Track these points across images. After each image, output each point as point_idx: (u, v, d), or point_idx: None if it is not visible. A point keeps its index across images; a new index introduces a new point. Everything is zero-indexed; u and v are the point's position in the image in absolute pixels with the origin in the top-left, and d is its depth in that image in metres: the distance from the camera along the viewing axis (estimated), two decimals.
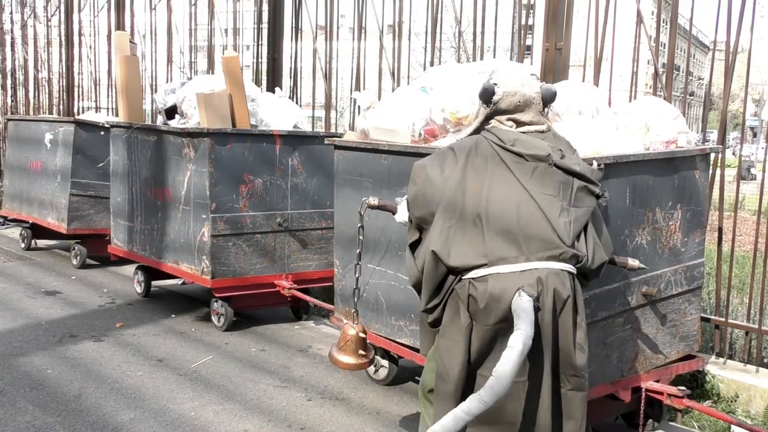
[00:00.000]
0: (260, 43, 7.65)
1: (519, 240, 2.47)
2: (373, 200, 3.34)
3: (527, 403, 2.50)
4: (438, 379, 2.60)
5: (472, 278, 2.48)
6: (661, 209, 3.59)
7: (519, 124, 2.72)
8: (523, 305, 2.37)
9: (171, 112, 6.03)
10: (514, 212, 2.49)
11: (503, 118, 2.73)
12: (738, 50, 4.63)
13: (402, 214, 2.97)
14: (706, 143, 4.98)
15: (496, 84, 2.74)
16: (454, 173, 2.61)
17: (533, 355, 2.43)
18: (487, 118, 2.77)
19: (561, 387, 2.54)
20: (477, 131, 2.79)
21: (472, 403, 2.30)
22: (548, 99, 2.78)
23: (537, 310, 2.40)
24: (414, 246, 2.73)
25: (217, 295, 5.42)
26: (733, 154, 19.13)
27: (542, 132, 2.72)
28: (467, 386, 2.52)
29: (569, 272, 2.50)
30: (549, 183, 2.56)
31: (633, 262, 3.07)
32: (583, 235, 2.56)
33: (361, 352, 3.47)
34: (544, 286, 2.43)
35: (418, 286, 2.69)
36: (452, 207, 2.57)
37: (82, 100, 10.11)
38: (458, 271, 2.52)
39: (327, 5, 6.92)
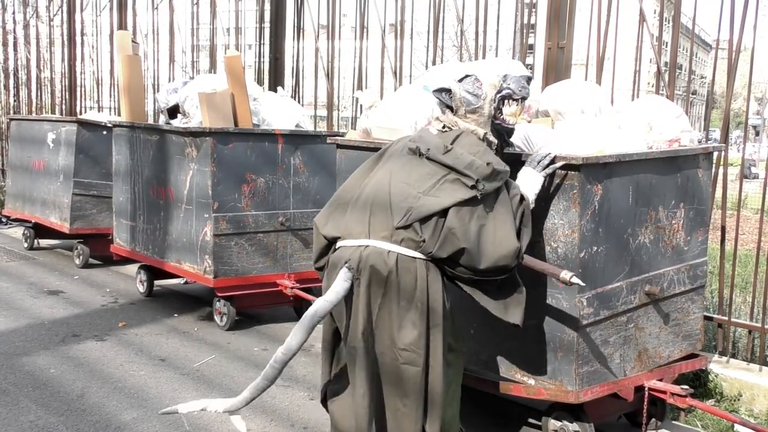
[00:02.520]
0: (262, 42, 7.65)
1: (368, 220, 2.80)
2: None
3: (365, 368, 2.79)
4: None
5: (335, 247, 2.89)
6: (664, 208, 3.58)
7: (442, 121, 3.04)
8: (339, 275, 2.76)
9: (173, 111, 6.04)
10: (373, 197, 2.83)
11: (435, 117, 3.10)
12: (741, 49, 4.62)
13: None
14: (709, 142, 4.97)
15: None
16: (363, 166, 3.03)
17: (354, 323, 2.78)
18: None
19: (396, 360, 2.77)
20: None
21: (278, 354, 2.81)
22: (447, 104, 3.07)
23: (354, 280, 2.75)
24: None
25: (219, 294, 5.43)
26: (738, 151, 19.10)
27: (441, 130, 2.98)
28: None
29: (404, 254, 2.73)
30: (414, 173, 2.83)
31: (565, 275, 2.95)
32: (434, 221, 2.72)
33: None
34: (363, 262, 2.73)
35: None
36: (345, 192, 2.98)
37: (85, 99, 10.12)
38: (330, 241, 2.92)
39: (329, 4, 6.92)
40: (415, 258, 2.74)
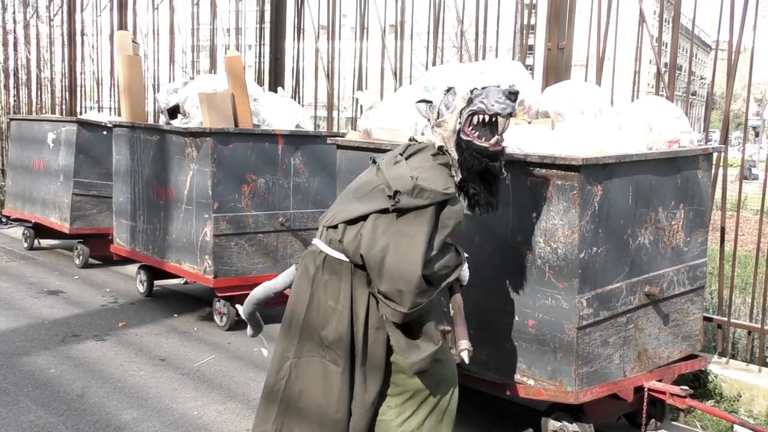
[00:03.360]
0: (262, 42, 7.66)
1: (323, 222, 2.88)
2: None
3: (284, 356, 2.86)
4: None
5: None
6: (663, 209, 3.59)
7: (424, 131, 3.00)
8: (288, 269, 3.04)
9: (173, 111, 6.04)
10: (336, 202, 2.97)
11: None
12: (740, 50, 4.63)
13: None
14: (709, 143, 4.98)
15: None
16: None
17: (292, 316, 2.85)
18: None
19: (323, 357, 2.77)
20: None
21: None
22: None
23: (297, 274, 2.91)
24: None
25: (219, 294, 5.43)
26: (739, 151, 19.10)
27: (409, 142, 2.99)
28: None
29: (331, 255, 2.76)
30: (362, 180, 2.89)
31: (460, 345, 2.83)
32: (359, 226, 2.72)
33: None
34: (302, 259, 2.89)
35: None
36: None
37: (85, 99, 10.13)
38: None
39: (329, 5, 6.93)
40: (342, 261, 2.73)
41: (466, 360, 2.80)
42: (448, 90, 2.95)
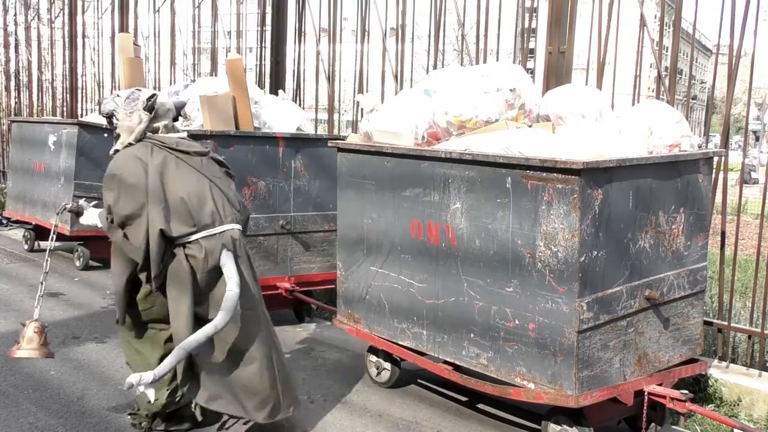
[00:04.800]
0: (263, 45, 7.67)
1: (215, 211, 3.39)
2: (72, 205, 4.17)
3: (256, 325, 3.48)
4: (172, 319, 3.35)
5: (187, 242, 3.34)
6: (664, 213, 3.59)
7: (169, 129, 3.59)
8: (227, 257, 3.35)
9: None
10: (207, 191, 3.42)
11: (160, 124, 3.54)
12: (741, 54, 4.63)
13: (89, 218, 3.93)
14: (709, 147, 4.98)
15: (155, 95, 3.58)
16: (149, 172, 3.37)
17: (247, 289, 3.44)
18: (149, 124, 3.51)
19: (263, 310, 3.60)
20: (141, 137, 3.49)
21: (208, 328, 3.18)
22: (180, 108, 3.86)
23: (236, 257, 3.38)
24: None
25: None
26: (740, 155, 19.07)
27: (184, 138, 3.63)
28: (195, 323, 3.30)
29: (239, 229, 3.51)
30: (214, 169, 3.58)
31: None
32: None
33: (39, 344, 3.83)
34: (237, 241, 3.43)
35: (146, 265, 3.36)
36: (159, 198, 3.33)
37: (86, 101, 10.15)
38: (174, 240, 3.33)
39: (330, 8, 6.94)
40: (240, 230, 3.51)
41: None
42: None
